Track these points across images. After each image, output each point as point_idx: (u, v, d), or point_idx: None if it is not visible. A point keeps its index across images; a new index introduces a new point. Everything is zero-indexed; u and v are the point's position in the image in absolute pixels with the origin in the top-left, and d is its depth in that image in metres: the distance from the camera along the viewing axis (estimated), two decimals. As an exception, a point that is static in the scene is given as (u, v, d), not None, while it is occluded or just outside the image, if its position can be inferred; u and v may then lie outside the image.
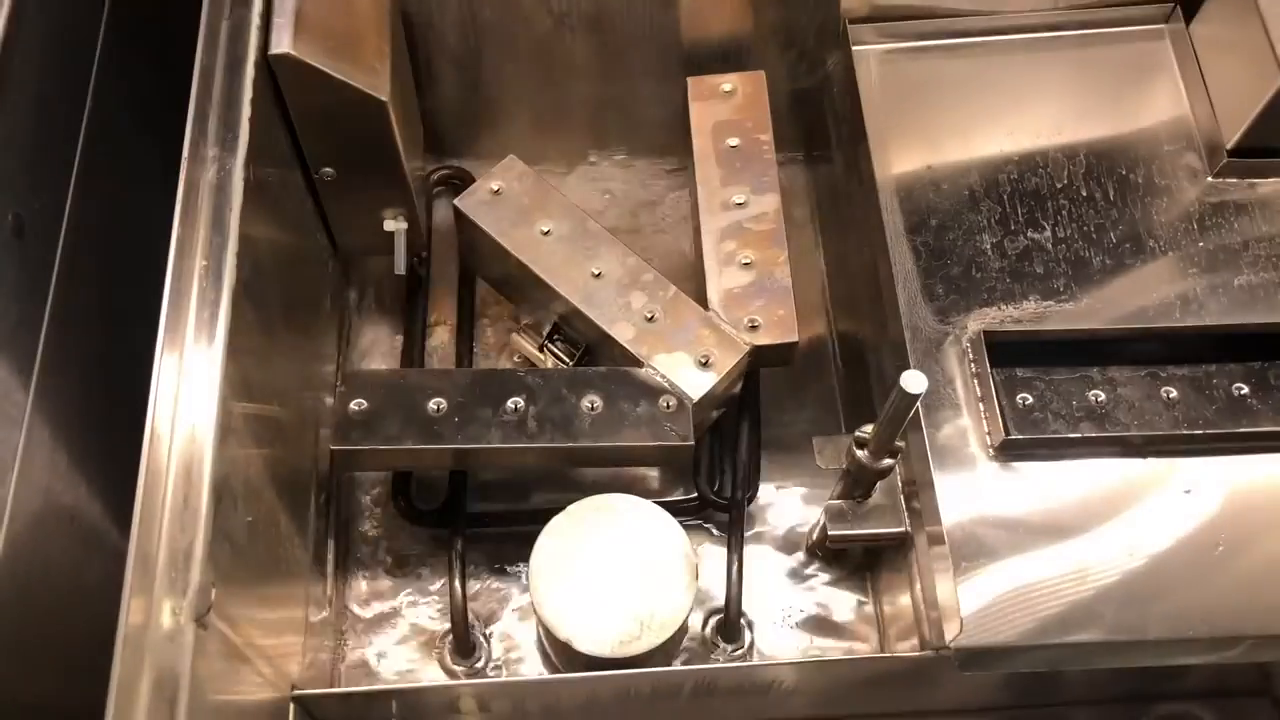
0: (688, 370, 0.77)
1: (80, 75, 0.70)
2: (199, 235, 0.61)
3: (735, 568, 0.79)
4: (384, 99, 0.73)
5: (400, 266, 0.85)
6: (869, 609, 0.81)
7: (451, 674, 0.78)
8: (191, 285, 0.60)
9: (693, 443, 0.75)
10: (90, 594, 0.67)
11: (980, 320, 0.74)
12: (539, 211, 0.83)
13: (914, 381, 0.61)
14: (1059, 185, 0.79)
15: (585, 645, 0.70)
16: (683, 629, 0.73)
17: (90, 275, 0.69)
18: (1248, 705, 0.79)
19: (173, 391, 0.57)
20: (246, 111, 0.65)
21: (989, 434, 0.70)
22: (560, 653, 0.73)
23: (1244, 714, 0.79)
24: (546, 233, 0.82)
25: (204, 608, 0.52)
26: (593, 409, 0.75)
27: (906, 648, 0.74)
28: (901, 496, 0.75)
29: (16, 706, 0.60)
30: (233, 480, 0.59)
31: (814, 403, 0.89)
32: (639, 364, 0.77)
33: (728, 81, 0.88)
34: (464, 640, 0.78)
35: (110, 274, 0.72)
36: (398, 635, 0.79)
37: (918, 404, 0.64)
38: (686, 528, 0.75)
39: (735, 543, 0.80)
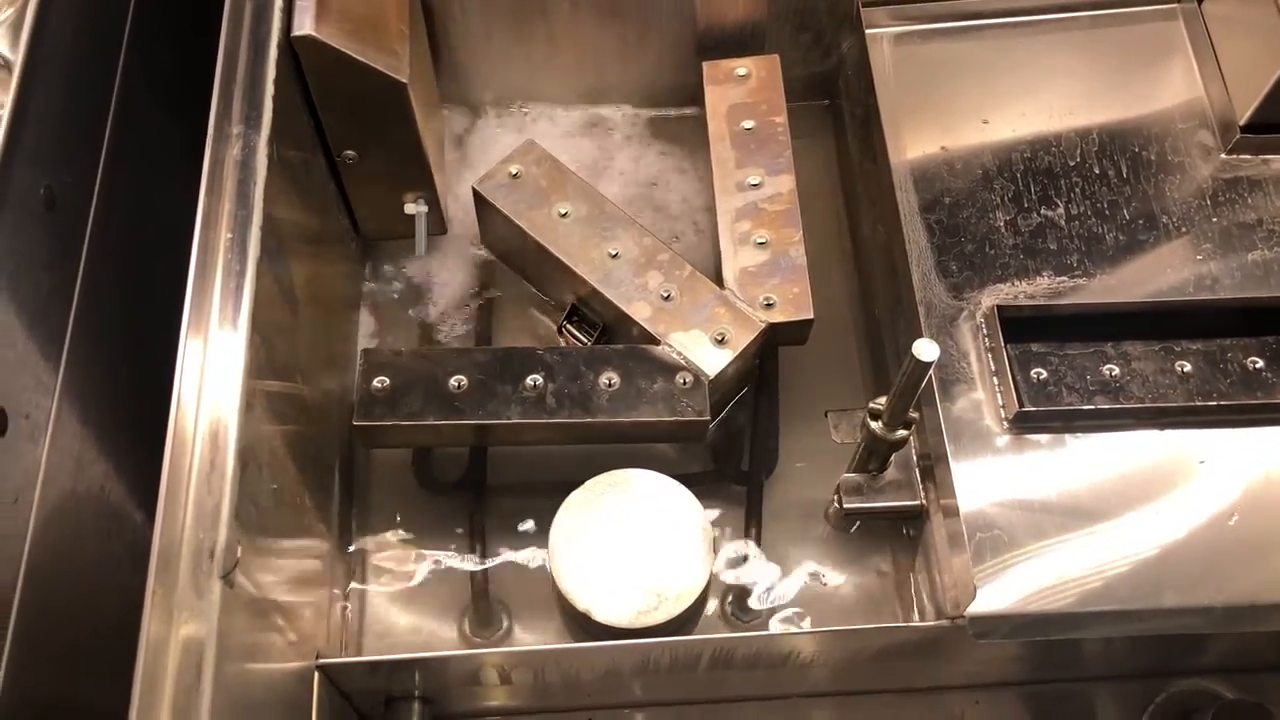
0: (704, 348, 0.78)
1: (109, 54, 0.72)
2: (224, 209, 0.63)
3: (753, 541, 0.80)
4: (404, 81, 0.75)
5: (420, 248, 0.86)
6: (887, 581, 0.81)
7: (473, 644, 0.79)
8: (217, 258, 0.61)
9: (709, 418, 0.76)
10: (121, 564, 0.68)
11: (994, 296, 0.74)
12: (556, 194, 0.84)
13: (926, 350, 0.61)
14: (1072, 163, 0.80)
15: (603, 616, 0.71)
16: (700, 601, 0.74)
17: (120, 248, 0.71)
18: (1266, 680, 0.79)
19: (199, 359, 0.58)
20: (270, 91, 0.67)
21: (1003, 407, 0.71)
22: (579, 625, 0.74)
23: (1263, 688, 0.78)
24: (564, 215, 0.83)
25: (230, 565, 0.53)
26: (610, 385, 0.76)
27: (924, 619, 0.75)
28: (916, 470, 0.75)
29: (47, 670, 0.61)
30: (257, 449, 0.60)
31: (837, 377, 0.89)
32: (656, 342, 0.78)
33: (742, 65, 0.89)
34: (485, 611, 0.79)
35: (139, 247, 0.74)
36: (421, 606, 0.80)
37: (930, 374, 0.64)
38: (705, 502, 0.75)
39: (753, 516, 0.81)
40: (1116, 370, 0.71)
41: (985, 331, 0.73)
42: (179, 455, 0.56)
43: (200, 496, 0.55)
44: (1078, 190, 0.78)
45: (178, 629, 0.53)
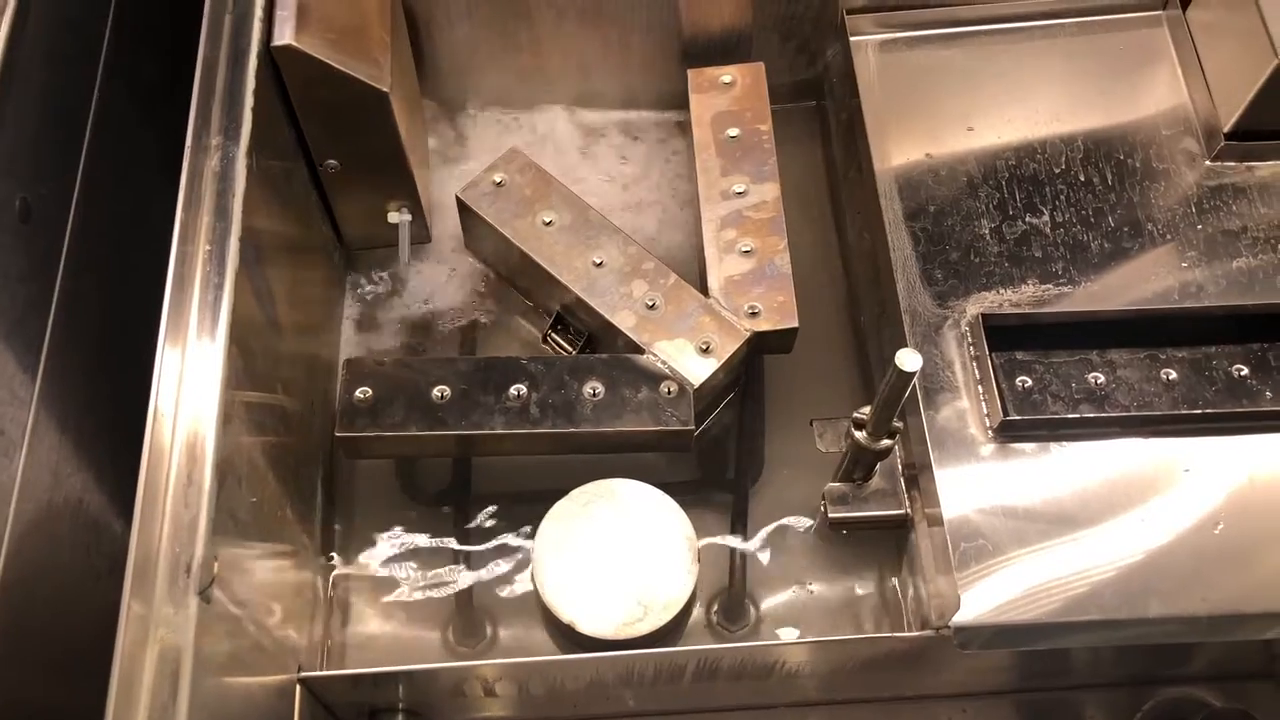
0: (689, 357, 0.77)
1: (87, 64, 0.71)
2: (202, 221, 0.62)
3: (738, 550, 0.80)
4: (385, 90, 0.74)
5: (404, 257, 0.86)
6: (873, 590, 0.81)
7: (457, 656, 0.79)
8: (195, 270, 0.61)
9: (693, 428, 0.75)
10: (100, 578, 0.68)
11: (979, 304, 0.74)
12: (541, 202, 0.84)
13: (909, 360, 0.61)
14: (1057, 171, 0.79)
15: (588, 628, 0.71)
16: (686, 611, 0.73)
17: (97, 261, 0.70)
18: (1253, 688, 0.79)
19: (176, 372, 0.58)
20: (249, 102, 0.66)
21: (988, 416, 0.70)
22: (563, 636, 0.74)
23: (1250, 696, 0.78)
24: (548, 223, 0.83)
25: (207, 581, 0.53)
26: (594, 395, 0.76)
27: (909, 628, 0.74)
28: (901, 479, 0.75)
29: (23, 683, 0.61)
30: (236, 461, 0.60)
31: (823, 385, 0.88)
32: (641, 351, 0.78)
33: (727, 73, 0.89)
34: (469, 622, 0.79)
35: (116, 259, 0.74)
36: (404, 618, 0.80)
37: (914, 383, 0.64)
38: (689, 511, 0.75)
39: (738, 525, 0.81)
40: (1102, 378, 0.71)
41: (970, 339, 0.73)
42: (155, 469, 0.55)
43: (177, 511, 0.54)
44: (1063, 197, 0.78)
45: (154, 643, 0.52)
